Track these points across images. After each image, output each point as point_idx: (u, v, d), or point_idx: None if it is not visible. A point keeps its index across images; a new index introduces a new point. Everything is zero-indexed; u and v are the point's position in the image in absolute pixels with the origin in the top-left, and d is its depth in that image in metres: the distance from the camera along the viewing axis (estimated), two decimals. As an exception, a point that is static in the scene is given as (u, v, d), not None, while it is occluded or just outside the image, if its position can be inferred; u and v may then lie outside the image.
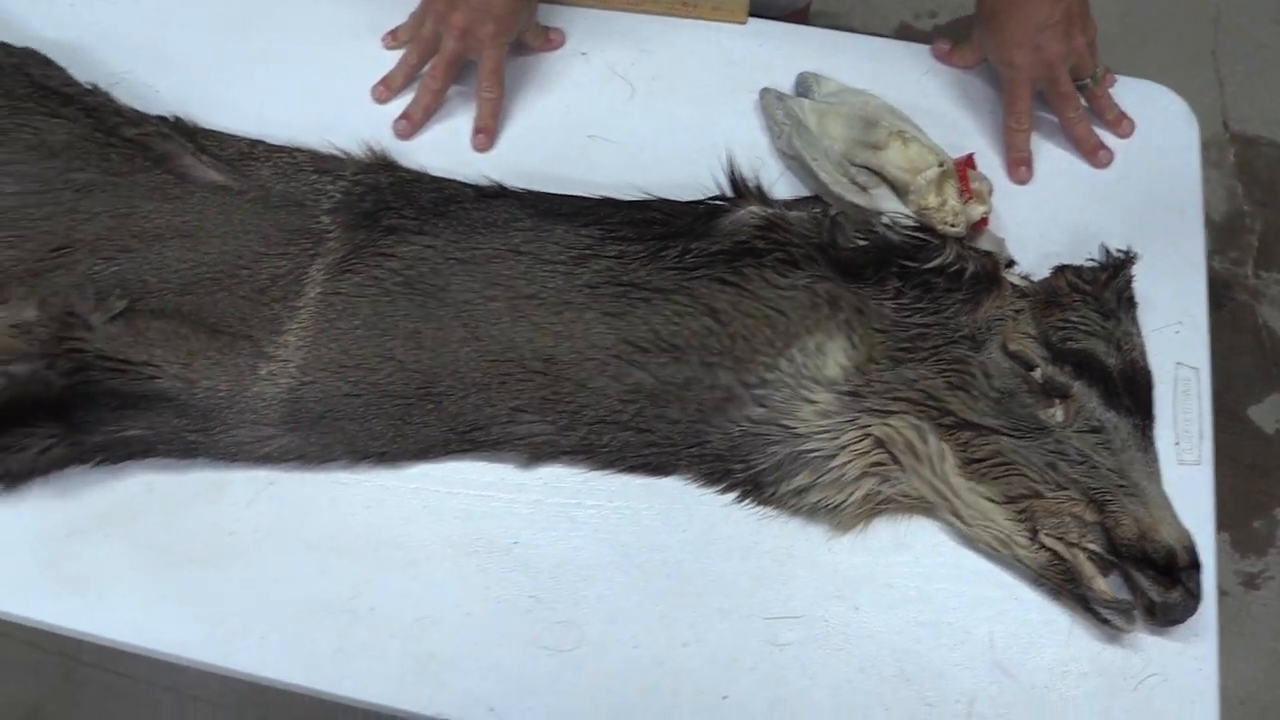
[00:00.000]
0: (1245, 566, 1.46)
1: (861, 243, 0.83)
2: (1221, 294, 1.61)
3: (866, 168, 0.86)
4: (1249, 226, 1.68)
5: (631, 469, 0.80)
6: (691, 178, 0.89)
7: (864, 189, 0.85)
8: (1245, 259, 1.66)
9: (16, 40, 0.96)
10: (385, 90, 0.96)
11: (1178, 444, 0.82)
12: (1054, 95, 0.91)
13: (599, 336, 0.81)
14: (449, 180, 0.88)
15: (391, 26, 0.99)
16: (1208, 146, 1.72)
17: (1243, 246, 1.67)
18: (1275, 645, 1.43)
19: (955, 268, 0.81)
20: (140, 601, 0.77)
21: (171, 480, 0.81)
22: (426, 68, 0.94)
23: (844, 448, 0.77)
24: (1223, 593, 1.46)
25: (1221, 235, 1.70)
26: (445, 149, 0.93)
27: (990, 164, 0.91)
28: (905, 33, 1.84)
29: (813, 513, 0.78)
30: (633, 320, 0.81)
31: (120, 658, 1.49)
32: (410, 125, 0.94)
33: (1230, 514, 1.49)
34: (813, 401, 0.78)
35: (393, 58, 0.97)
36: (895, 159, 0.84)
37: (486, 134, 0.93)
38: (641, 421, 0.79)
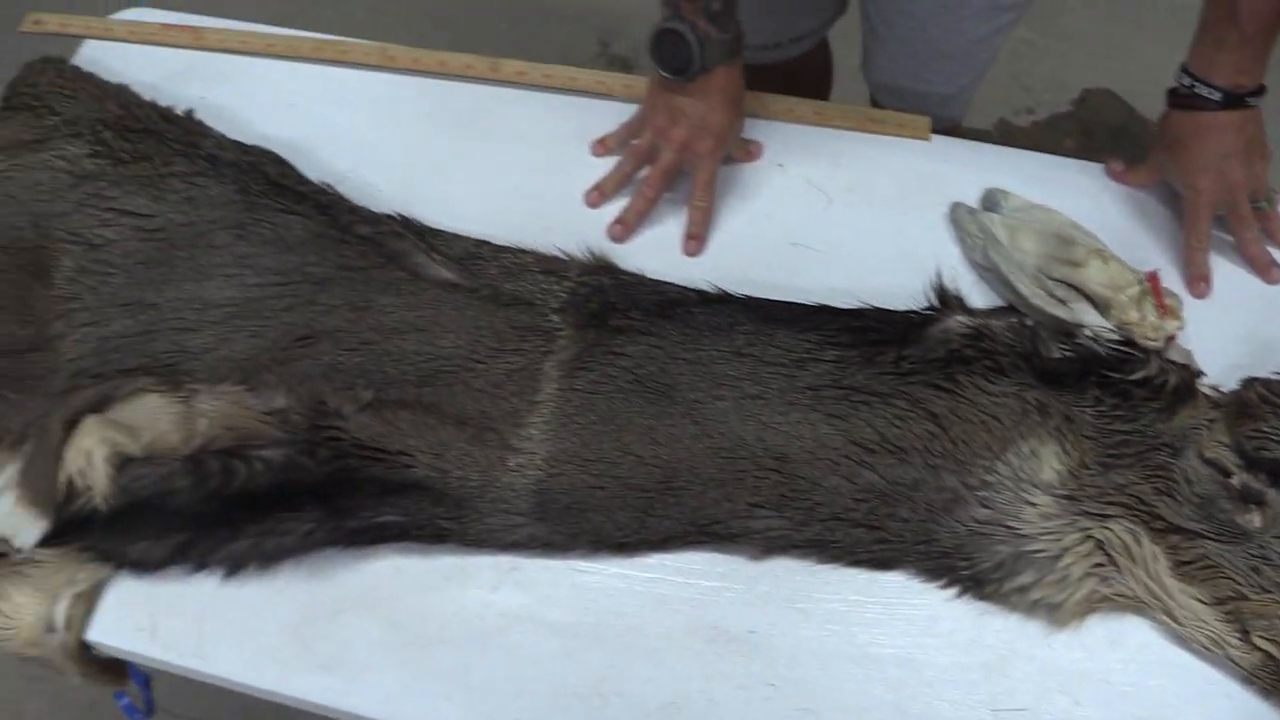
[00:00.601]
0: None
1: (1067, 353, 0.89)
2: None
3: (1064, 282, 0.92)
4: None
5: (858, 563, 0.85)
6: (892, 284, 0.95)
7: (1063, 302, 0.91)
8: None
9: (246, 138, 1.03)
10: (599, 196, 1.02)
11: (1368, 551, 0.87)
12: (1234, 218, 0.98)
13: (827, 437, 0.86)
14: (669, 284, 0.94)
15: (593, 133, 1.06)
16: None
17: None
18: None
19: (1158, 380, 0.87)
20: (394, 681, 0.81)
21: (419, 564, 0.86)
22: (641, 175, 1.01)
23: (1067, 549, 0.82)
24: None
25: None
26: (656, 252, 0.99)
27: (1168, 280, 0.97)
28: (1004, 128, 1.93)
29: (1032, 609, 0.83)
30: (856, 422, 0.87)
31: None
32: (625, 229, 1.00)
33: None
34: (1034, 504, 0.83)
35: (599, 164, 1.04)
36: (1096, 276, 0.90)
37: (698, 240, 1.00)
38: (874, 519, 0.84)
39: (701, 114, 0.98)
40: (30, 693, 1.61)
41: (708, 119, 0.98)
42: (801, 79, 1.44)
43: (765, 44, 1.39)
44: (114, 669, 0.92)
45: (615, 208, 1.02)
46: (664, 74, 0.97)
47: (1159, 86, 1.00)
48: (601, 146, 1.05)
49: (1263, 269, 0.99)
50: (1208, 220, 0.97)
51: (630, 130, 1.04)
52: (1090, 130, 1.96)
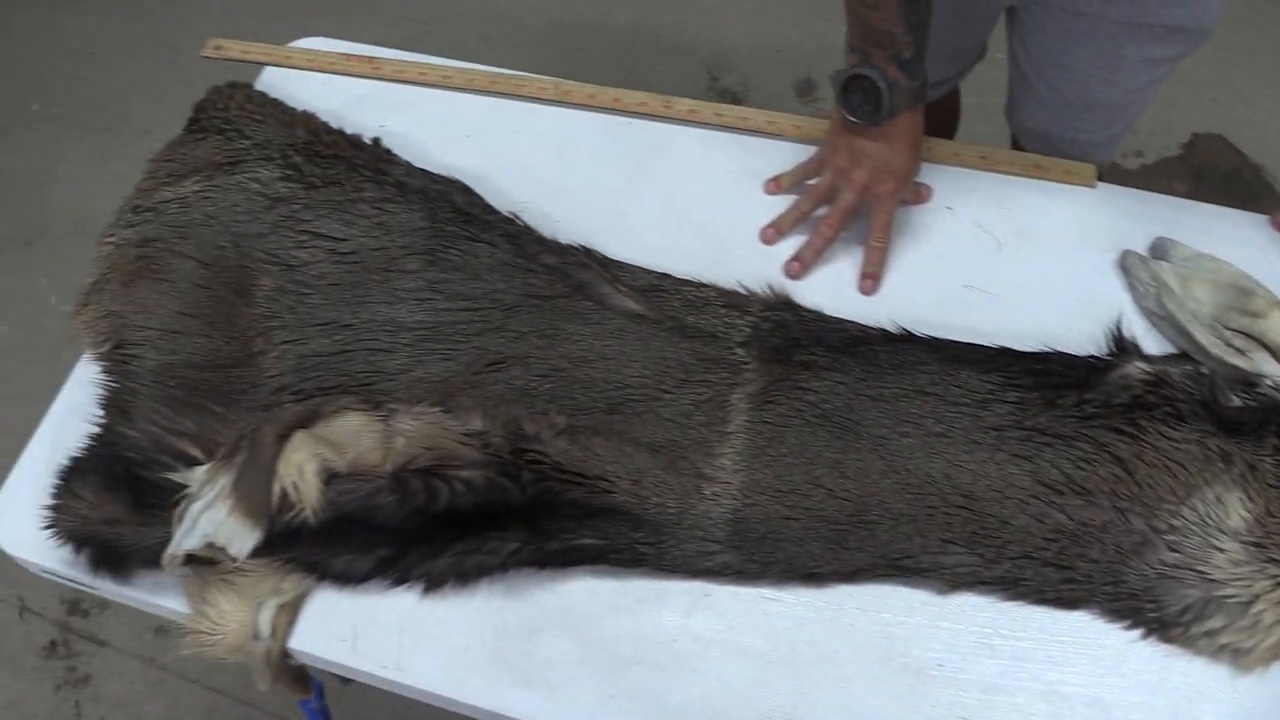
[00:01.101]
0: None
1: (1248, 403, 0.91)
2: None
3: (1242, 332, 0.94)
4: None
5: (1044, 602, 0.86)
6: (1062, 329, 0.97)
7: (1242, 352, 0.93)
8: None
9: (425, 168, 1.07)
10: (775, 233, 1.05)
11: None
12: None
13: (1014, 477, 0.88)
14: (850, 321, 0.97)
15: (762, 171, 1.09)
16: None
17: None
18: None
19: (1342, 432, 0.89)
20: (593, 699, 0.84)
21: (612, 586, 0.88)
22: (820, 213, 1.04)
23: (1259, 595, 0.83)
24: None
25: None
26: (829, 290, 1.02)
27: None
28: (1114, 171, 1.95)
29: (1219, 653, 0.84)
30: (1042, 463, 0.89)
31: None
32: (802, 267, 1.03)
33: None
34: (1223, 549, 0.85)
35: (768, 202, 1.07)
36: (1278, 327, 0.92)
37: (874, 280, 1.02)
38: (1064, 559, 0.86)
39: (885, 157, 1.01)
40: (151, 695, 1.65)
41: (891, 162, 1.01)
42: (930, 121, 1.47)
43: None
44: (302, 678, 0.95)
45: (788, 245, 1.05)
46: (851, 118, 1.01)
47: (1270, 131, 1.02)
48: (775, 185, 1.09)
49: None
50: None
51: (808, 170, 1.07)
52: (1201, 175, 1.98)
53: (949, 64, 1.35)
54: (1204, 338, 0.94)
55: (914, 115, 1.01)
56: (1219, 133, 2.05)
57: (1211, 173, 1.97)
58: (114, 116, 2.35)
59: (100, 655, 1.71)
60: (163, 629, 1.71)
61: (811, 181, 1.06)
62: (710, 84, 2.17)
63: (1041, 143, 1.24)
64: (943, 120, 1.53)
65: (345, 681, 0.98)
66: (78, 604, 1.76)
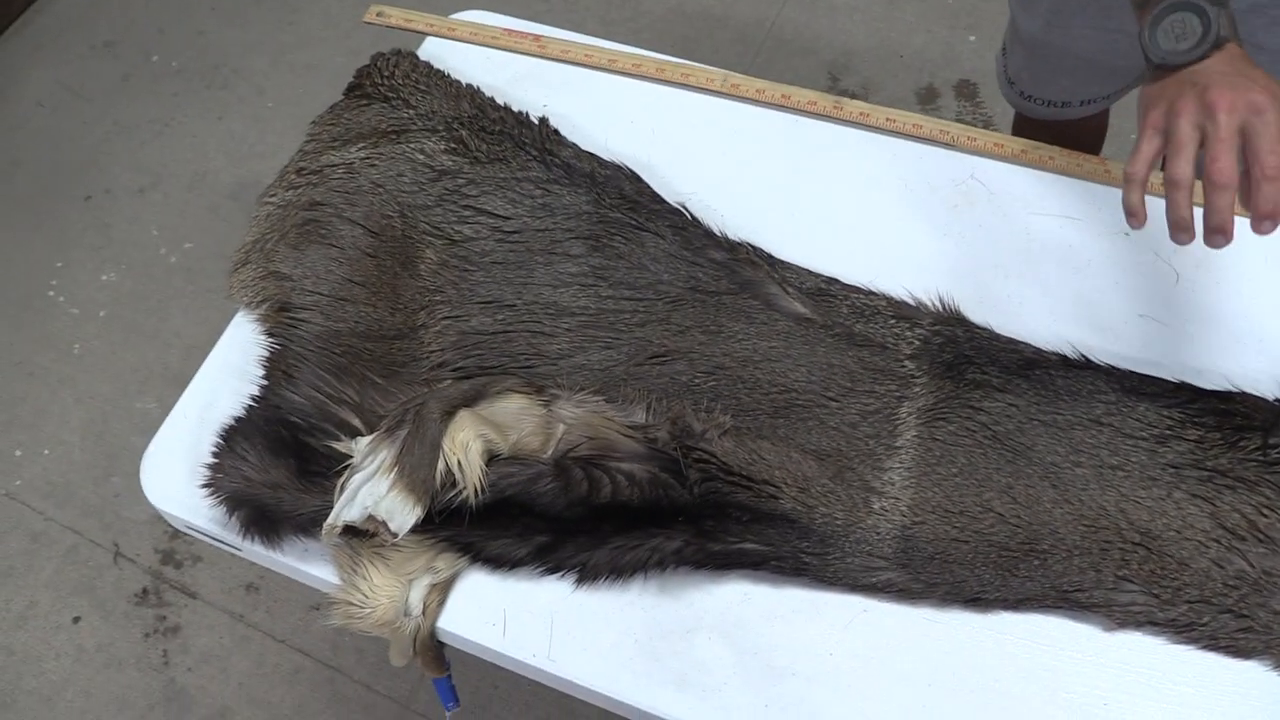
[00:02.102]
0: None
1: None
2: None
3: None
4: None
5: (1216, 649, 0.84)
6: (1238, 368, 0.94)
7: None
8: None
9: (590, 150, 1.06)
10: (1137, 221, 0.86)
11: None
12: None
13: (1194, 518, 0.86)
14: (1023, 343, 0.94)
15: (934, 180, 1.06)
16: None
17: None
18: None
19: None
20: (748, 706, 0.82)
21: (768, 592, 0.87)
22: (1208, 154, 0.82)
23: None
24: None
25: None
26: (998, 305, 0.99)
27: None
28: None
29: (1400, 719, 0.82)
30: (1222, 506, 0.86)
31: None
32: (1224, 236, 0.81)
33: None
34: None
35: (941, 211, 1.05)
36: None
37: (1274, 219, 0.80)
38: (1243, 607, 0.83)
39: (1234, 70, 0.83)
40: (238, 650, 1.67)
41: (1244, 69, 0.83)
42: (1077, 139, 1.43)
43: (1054, 101, 1.39)
44: (440, 657, 0.94)
45: (954, 256, 1.02)
46: (1170, 60, 0.85)
47: None
48: (1134, 193, 0.85)
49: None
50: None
51: (1149, 141, 0.85)
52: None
53: (1106, 82, 1.32)
54: None
55: (1238, 47, 0.85)
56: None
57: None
58: (230, 74, 2.37)
59: (191, 607, 1.73)
60: (254, 586, 1.73)
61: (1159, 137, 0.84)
62: (831, 84, 2.14)
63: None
64: (1089, 139, 1.49)
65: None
66: (171, 554, 1.79)
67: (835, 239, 1.04)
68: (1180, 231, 0.83)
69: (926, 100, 2.11)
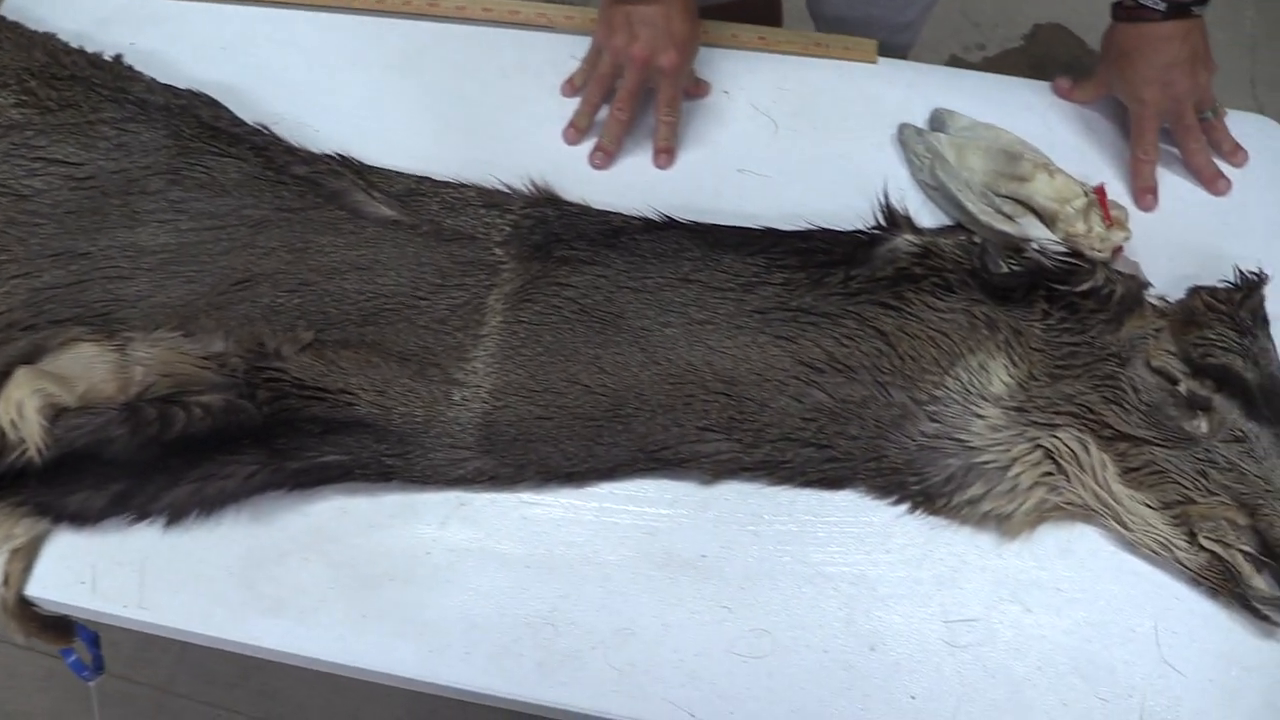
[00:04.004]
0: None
1: (1014, 268, 0.88)
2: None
3: (1011, 198, 0.91)
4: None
5: (810, 483, 0.84)
6: (841, 206, 0.94)
7: (1010, 218, 0.90)
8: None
9: (176, 82, 1.00)
10: (575, 133, 1.00)
11: (1314, 452, 0.88)
12: (1179, 129, 0.97)
13: (775, 359, 0.85)
14: (614, 213, 0.93)
15: (537, 67, 1.04)
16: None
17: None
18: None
19: (1105, 290, 0.87)
20: (343, 621, 0.80)
21: (365, 503, 0.84)
22: (614, 101, 0.98)
23: (1016, 459, 0.82)
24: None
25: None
26: (602, 182, 0.97)
27: (1115, 193, 0.97)
28: (955, 64, 1.92)
29: (982, 521, 0.83)
30: (804, 343, 0.86)
31: (213, 689, 1.51)
32: (606, 157, 0.99)
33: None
34: (982, 416, 0.83)
35: (545, 99, 1.02)
36: (1043, 190, 0.90)
37: (668, 154, 0.99)
38: (823, 438, 0.83)
39: (662, 23, 0.94)
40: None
41: (670, 28, 0.94)
42: (746, 18, 1.42)
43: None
44: (60, 627, 0.90)
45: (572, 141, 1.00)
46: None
47: (1108, 19, 0.99)
48: (569, 86, 1.03)
49: (1208, 180, 0.98)
50: (1154, 132, 0.97)
51: (592, 60, 1.01)
52: (1042, 65, 1.96)
53: None
54: (974, 206, 0.92)
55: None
56: (1060, 22, 2.03)
57: (1053, 62, 1.94)
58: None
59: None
60: None
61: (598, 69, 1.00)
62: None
63: (840, 28, 1.20)
64: (760, 17, 1.48)
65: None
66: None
67: (439, 139, 1.00)
68: (569, 127, 1.01)
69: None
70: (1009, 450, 0.82)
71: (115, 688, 1.50)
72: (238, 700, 1.47)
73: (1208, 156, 0.98)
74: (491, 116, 1.02)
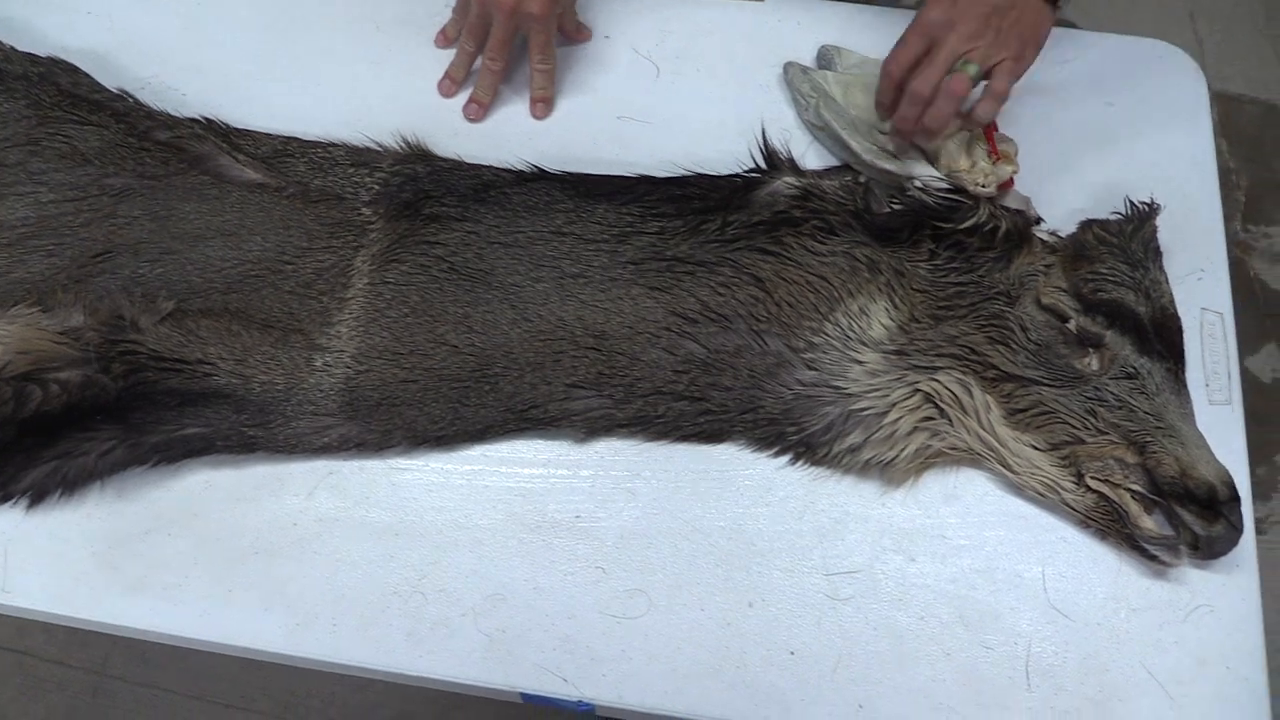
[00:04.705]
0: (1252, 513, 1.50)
1: (896, 207, 0.85)
2: (1214, 251, 1.67)
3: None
4: (1235, 183, 1.72)
5: (686, 438, 0.81)
6: (723, 152, 0.91)
7: (894, 155, 0.87)
8: (1233, 214, 1.70)
9: (40, 50, 0.96)
10: (450, 84, 0.97)
11: (1207, 385, 0.85)
12: (923, 62, 0.85)
13: (648, 310, 0.82)
14: (486, 167, 0.90)
15: (406, 20, 1.01)
16: (1190, 107, 1.77)
17: (1230, 203, 1.71)
18: (1284, 587, 1.48)
19: (989, 227, 0.84)
20: (207, 596, 0.78)
21: (231, 476, 0.82)
22: (485, 51, 0.95)
23: (895, 404, 0.79)
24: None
25: (1210, 193, 1.75)
26: (477, 135, 0.94)
27: (1011, 126, 0.93)
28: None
29: (865, 470, 0.81)
30: (679, 293, 0.83)
31: (148, 670, 1.50)
32: (479, 108, 0.96)
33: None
34: (861, 362, 0.80)
35: (418, 52, 0.99)
36: (924, 125, 0.86)
37: (545, 103, 0.96)
38: (696, 390, 0.80)
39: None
40: None
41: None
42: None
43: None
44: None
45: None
46: None
47: None
48: (443, 38, 1.00)
49: (904, 128, 0.86)
50: (909, 48, 0.85)
51: (462, 9, 0.98)
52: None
53: None
54: (857, 144, 0.88)
55: None
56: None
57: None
58: None
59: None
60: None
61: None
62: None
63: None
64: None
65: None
66: None
67: (311, 97, 0.97)
68: (444, 78, 0.98)
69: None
70: (887, 395, 0.79)
71: (49, 673, 1.49)
72: (172, 679, 1.45)
73: (916, 109, 0.84)
74: (367, 72, 0.98)
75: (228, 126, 0.93)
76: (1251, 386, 1.56)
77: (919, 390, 0.79)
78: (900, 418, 0.79)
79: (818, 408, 0.80)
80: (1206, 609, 0.78)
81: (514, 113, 0.96)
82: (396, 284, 0.84)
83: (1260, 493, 1.50)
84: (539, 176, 0.88)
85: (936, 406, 0.80)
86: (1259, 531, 1.48)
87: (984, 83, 0.85)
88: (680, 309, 0.82)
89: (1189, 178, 0.93)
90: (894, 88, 0.87)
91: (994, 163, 0.86)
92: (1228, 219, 1.72)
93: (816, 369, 0.80)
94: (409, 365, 0.81)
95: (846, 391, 0.79)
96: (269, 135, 0.92)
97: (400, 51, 1.00)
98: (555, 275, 0.84)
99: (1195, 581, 0.79)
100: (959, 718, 0.74)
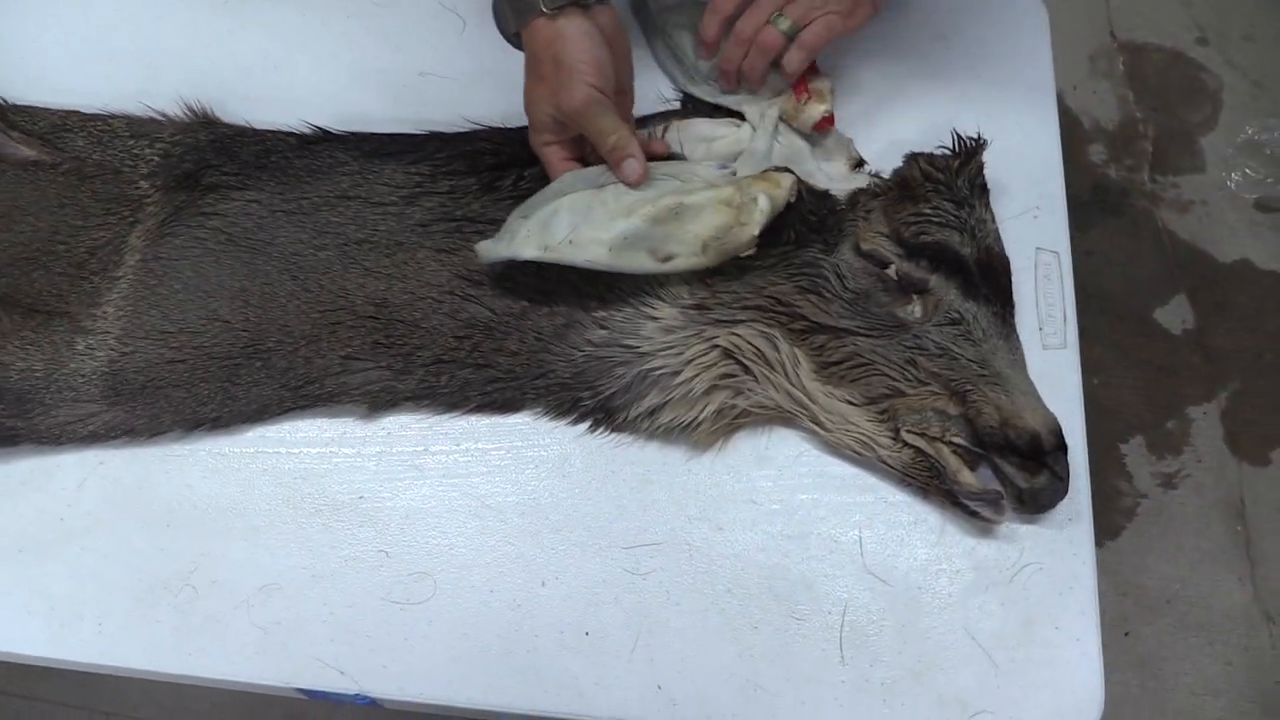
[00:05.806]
0: (1162, 468, 1.44)
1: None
2: (1120, 201, 1.60)
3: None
4: (1142, 133, 1.66)
5: (478, 408, 0.76)
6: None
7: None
8: (1141, 165, 1.64)
9: None
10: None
11: (1041, 329, 0.79)
12: (747, 11, 0.82)
13: (432, 275, 0.77)
14: (270, 131, 0.84)
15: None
16: (1096, 57, 1.71)
17: (1138, 153, 1.65)
18: (1197, 543, 1.42)
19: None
20: (-14, 600, 0.73)
21: (-5, 470, 0.77)
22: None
23: (689, 362, 0.73)
24: (1141, 495, 1.45)
25: (1116, 143, 1.69)
26: (270, 100, 0.88)
27: (835, 66, 0.88)
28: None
29: (667, 434, 0.75)
30: (467, 255, 0.77)
31: (28, 681, 1.45)
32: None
33: (1144, 417, 1.48)
34: (655, 318, 0.75)
35: (208, 16, 0.93)
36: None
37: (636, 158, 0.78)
38: (479, 357, 0.75)
39: None
40: None
41: None
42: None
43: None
44: None
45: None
46: None
47: None
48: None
49: (728, 69, 0.83)
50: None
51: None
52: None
53: None
54: (700, 90, 0.84)
55: None
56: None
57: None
58: None
59: None
60: None
61: None
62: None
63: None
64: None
65: None
66: None
67: (98, 69, 0.91)
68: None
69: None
70: (681, 353, 0.73)
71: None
72: (52, 689, 1.40)
73: (740, 50, 0.81)
74: (158, 43, 0.92)
75: (3, 103, 0.87)
76: (1161, 338, 1.50)
77: (717, 346, 0.74)
78: (696, 375, 0.73)
79: (611, 369, 0.74)
80: (1035, 567, 0.72)
81: (308, 75, 0.90)
82: (169, 259, 0.79)
83: (1171, 447, 1.44)
84: (323, 138, 0.83)
85: (738, 362, 0.74)
86: (1170, 486, 1.44)
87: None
88: (465, 271, 0.76)
89: (1027, 111, 0.87)
90: (720, 24, 0.82)
91: (805, 102, 0.80)
92: (1135, 170, 1.68)
93: (608, 328, 0.75)
94: (177, 345, 0.76)
95: (639, 350, 0.74)
96: (47, 110, 0.87)
97: (189, 19, 0.93)
98: (339, 242, 0.79)
99: (1025, 539, 0.73)
100: (768, 695, 0.69)
